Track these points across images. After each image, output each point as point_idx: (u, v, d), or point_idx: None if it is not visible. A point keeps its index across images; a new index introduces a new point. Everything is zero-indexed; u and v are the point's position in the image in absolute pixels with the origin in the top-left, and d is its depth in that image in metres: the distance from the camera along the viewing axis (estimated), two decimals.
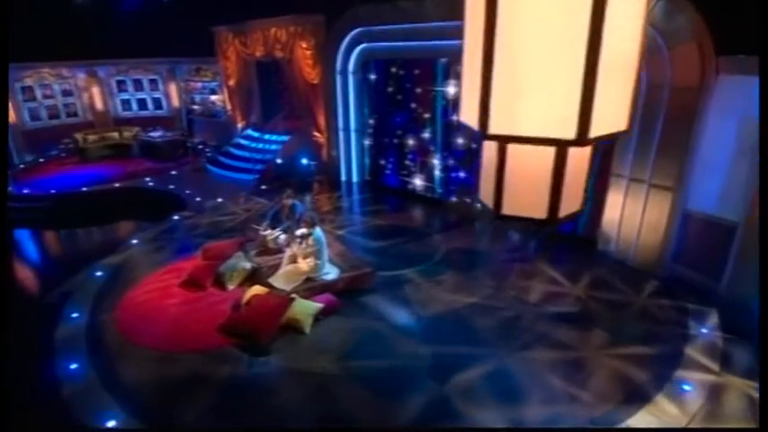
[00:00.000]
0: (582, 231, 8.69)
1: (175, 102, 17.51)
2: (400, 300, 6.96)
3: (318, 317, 6.36)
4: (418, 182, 11.41)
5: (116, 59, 16.49)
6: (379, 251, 8.45)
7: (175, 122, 17.21)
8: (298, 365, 5.62)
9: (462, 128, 10.01)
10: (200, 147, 16.57)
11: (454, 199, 10.70)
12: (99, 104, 16.82)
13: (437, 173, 10.90)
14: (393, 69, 11.05)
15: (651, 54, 6.72)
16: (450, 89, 9.97)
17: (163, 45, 16.03)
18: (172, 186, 12.57)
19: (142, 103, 17.51)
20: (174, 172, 13.93)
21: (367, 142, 12.37)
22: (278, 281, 6.90)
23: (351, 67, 11.68)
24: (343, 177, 12.85)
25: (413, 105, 10.85)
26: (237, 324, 6.14)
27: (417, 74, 10.58)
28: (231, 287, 7.19)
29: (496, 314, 6.59)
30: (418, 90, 10.64)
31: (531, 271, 7.84)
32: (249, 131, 15.00)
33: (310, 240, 6.99)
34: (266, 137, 13.97)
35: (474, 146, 9.86)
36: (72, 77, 16.27)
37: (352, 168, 12.75)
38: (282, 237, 7.86)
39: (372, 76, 11.54)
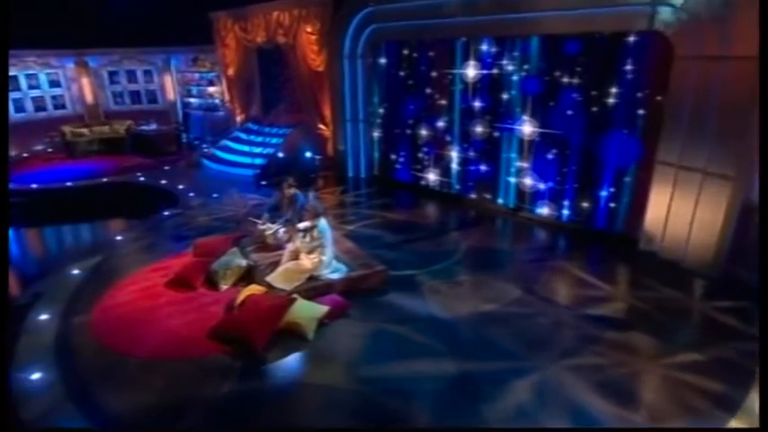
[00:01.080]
0: (619, 228, 8.04)
1: (171, 95, 17.06)
2: (417, 302, 6.34)
3: (323, 321, 5.76)
4: (433, 177, 10.81)
5: (108, 48, 16.05)
6: (392, 249, 7.83)
7: (170, 117, 16.74)
8: (298, 378, 5.00)
9: (483, 114, 10.08)
10: (197, 142, 16.09)
11: (473, 196, 10.08)
12: (89, 97, 16.39)
13: (454, 166, 10.29)
14: (405, 52, 10.50)
15: (708, 20, 6.11)
16: (470, 71, 9.38)
17: (158, 33, 15.58)
18: (164, 181, 12.07)
19: (135, 96, 17.06)
20: (166, 167, 13.44)
21: (376, 134, 11.80)
22: (277, 279, 6.30)
23: (359, 50, 11.18)
24: (350, 173, 12.28)
25: (428, 91, 10.28)
26: (229, 328, 5.54)
27: (433, 56, 10.02)
28: (224, 287, 6.62)
29: (529, 320, 5.95)
30: (434, 74, 10.08)
31: (562, 272, 7.21)
32: (249, 125, 14.49)
33: (314, 233, 6.39)
34: (266, 130, 13.46)
35: (498, 134, 9.26)
36: (60, 67, 15.86)
37: (360, 163, 12.18)
38: (282, 231, 7.27)
39: (383, 60, 11.00)
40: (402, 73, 10.72)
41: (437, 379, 4.91)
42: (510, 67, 8.75)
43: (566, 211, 8.66)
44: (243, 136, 14.11)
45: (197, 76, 16.37)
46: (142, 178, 12.52)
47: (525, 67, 8.54)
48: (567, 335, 5.63)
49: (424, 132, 10.70)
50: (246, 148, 13.20)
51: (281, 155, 12.34)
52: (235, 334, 5.42)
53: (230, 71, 14.71)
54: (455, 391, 4.75)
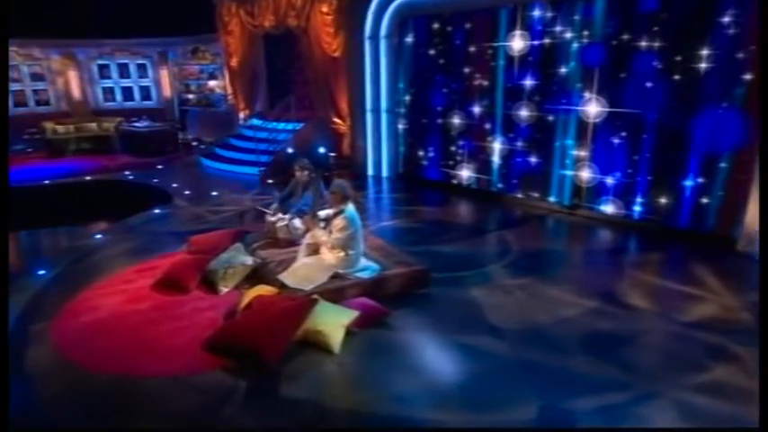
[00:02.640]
0: (710, 226, 6.99)
1: (167, 91, 16.40)
2: (470, 310, 5.32)
3: (351, 329, 4.74)
4: (468, 173, 9.85)
5: (98, 39, 15.43)
6: (427, 251, 6.79)
7: (166, 115, 16.02)
8: (320, 401, 3.96)
9: (532, 95, 9.25)
10: (195, 143, 15.32)
11: (518, 194, 9.09)
12: (76, 92, 15.70)
13: (495, 159, 9.33)
14: (436, 26, 9.65)
15: None
16: (517, 43, 8.49)
17: (155, 22, 14.95)
18: (155, 180, 11.23)
19: (128, 93, 16.38)
20: (159, 166, 12.61)
21: (401, 126, 10.91)
22: (292, 277, 5.32)
23: (383, 30, 10.41)
24: (371, 171, 11.37)
25: (464, 70, 9.40)
26: (231, 337, 4.52)
27: (470, 28, 9.17)
28: (224, 290, 5.64)
29: (618, 330, 4.89)
30: (471, 49, 9.20)
31: (642, 277, 6.19)
32: (253, 121, 13.70)
33: (339, 221, 5.39)
34: (272, 125, 12.63)
35: (551, 118, 8.31)
36: (45, 59, 15.22)
37: (381, 160, 11.27)
38: (298, 222, 6.30)
39: (409, 39, 10.19)
40: (432, 51, 9.86)
41: (517, 416, 3.82)
42: (567, 35, 7.84)
43: (637, 207, 7.62)
44: (247, 133, 13.31)
45: (196, 69, 15.75)
46: (131, 177, 11.69)
47: (586, 33, 7.63)
48: (678, 349, 4.57)
49: (457, 121, 9.79)
50: (251, 145, 12.35)
51: (290, 150, 11.45)
52: (238, 344, 4.40)
53: (234, 61, 14.00)
54: (536, 419, 3.68)
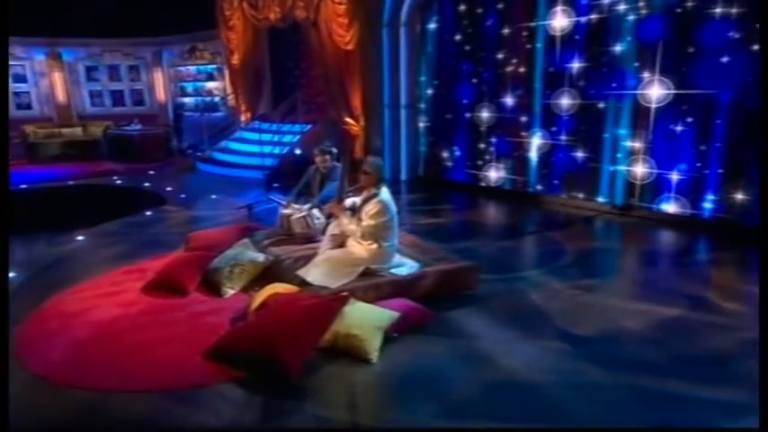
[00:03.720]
0: None
1: (161, 95, 15.85)
2: (533, 314, 4.58)
3: (391, 334, 3.98)
4: (499, 174, 9.17)
5: (86, 38, 14.93)
6: (468, 251, 6.00)
7: (160, 120, 15.44)
8: (354, 420, 3.19)
9: (577, 79, 8.23)
10: (190, 151, 14.69)
11: (562, 194, 8.40)
12: (61, 96, 15.14)
13: (532, 155, 8.65)
14: (463, 8, 9.10)
15: None
16: (559, 21, 7.90)
17: (149, 20, 14.46)
18: (147, 184, 10.57)
19: (118, 97, 15.83)
20: (151, 172, 11.98)
21: (422, 123, 10.28)
22: (315, 274, 4.57)
23: (403, 16, 9.93)
24: (387, 174, 10.68)
25: (496, 56, 8.82)
26: (242, 341, 3.76)
27: (503, 8, 8.62)
28: (230, 291, 4.90)
29: (713, 338, 4.13)
30: (504, 31, 8.64)
31: (726, 277, 5.51)
32: (255, 124, 13.15)
33: (372, 206, 4.67)
34: (276, 127, 12.07)
35: (601, 105, 7.66)
36: (27, 59, 14.70)
37: (400, 161, 10.63)
38: (318, 215, 5.57)
39: (432, 26, 9.65)
40: (459, 37, 9.29)
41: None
42: (620, 7, 7.24)
43: (707, 204, 6.90)
44: (249, 136, 12.78)
45: (193, 70, 15.24)
46: (119, 182, 11.04)
47: (642, 2, 7.03)
48: None
49: (486, 115, 9.18)
50: (255, 148, 11.76)
51: (298, 151, 10.80)
52: (251, 351, 3.63)
53: (235, 59, 13.43)
54: None
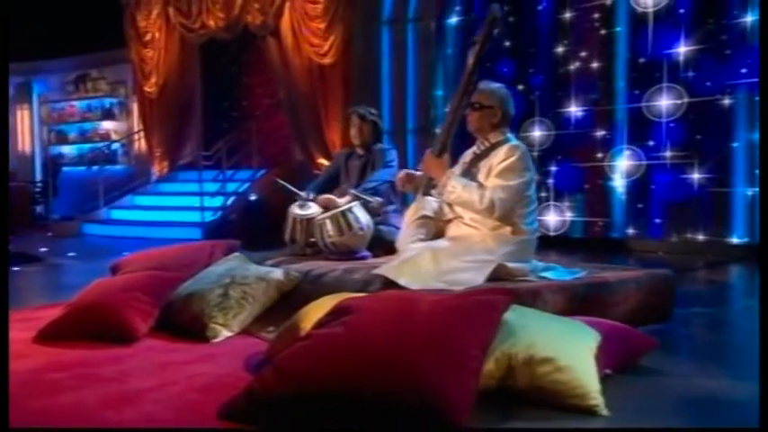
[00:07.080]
0: None
1: (25, 143, 15.20)
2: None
3: (602, 371, 2.58)
4: (563, 216, 8.49)
5: None
6: None
7: (20, 178, 14.39)
8: None
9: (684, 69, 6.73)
10: (68, 221, 13.41)
11: (671, 238, 7.63)
12: None
13: (616, 185, 7.96)
14: None
15: None
16: None
17: (14, 38, 13.50)
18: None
19: None
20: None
21: None
22: (410, 273, 3.17)
23: (411, 10, 10.06)
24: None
25: (554, 51, 8.42)
26: (324, 373, 2.17)
27: None
28: (226, 333, 3.32)
29: None
30: (565, 15, 8.35)
31: None
32: (177, 177, 12.82)
33: (503, 154, 3.56)
34: (213, 175, 11.37)
35: (727, 102, 7.17)
36: None
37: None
38: (363, 214, 4.15)
39: (453, 20, 9.38)
40: (495, 30, 8.70)
41: None
42: None
43: None
44: (168, 188, 12.51)
45: (81, 107, 14.59)
46: None
47: None
48: None
49: (540, 134, 8.68)
50: (178, 202, 11.26)
51: (253, 197, 9.89)
52: (351, 389, 2.07)
53: (150, 85, 12.64)
54: None
